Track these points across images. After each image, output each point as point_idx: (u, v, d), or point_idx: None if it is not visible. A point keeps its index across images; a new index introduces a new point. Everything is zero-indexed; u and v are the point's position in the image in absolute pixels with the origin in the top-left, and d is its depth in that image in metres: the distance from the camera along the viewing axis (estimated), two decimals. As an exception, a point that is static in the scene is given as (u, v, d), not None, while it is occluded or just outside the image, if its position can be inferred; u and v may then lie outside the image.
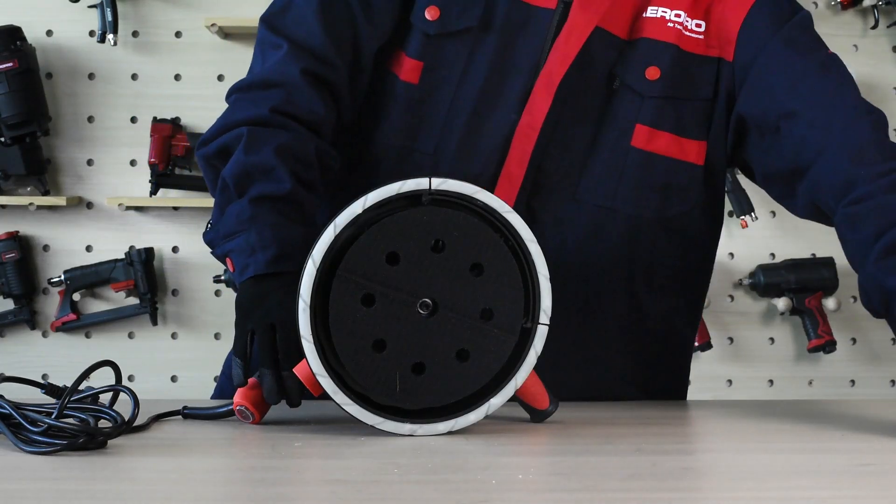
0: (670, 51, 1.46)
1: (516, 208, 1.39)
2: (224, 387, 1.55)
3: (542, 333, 1.26)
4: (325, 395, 1.24)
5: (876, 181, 1.36)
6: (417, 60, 1.46)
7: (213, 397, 1.58)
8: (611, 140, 1.46)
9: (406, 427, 1.23)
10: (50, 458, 1.10)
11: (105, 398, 1.26)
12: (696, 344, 3.30)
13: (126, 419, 1.19)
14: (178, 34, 3.33)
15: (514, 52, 1.45)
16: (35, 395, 1.27)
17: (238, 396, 1.29)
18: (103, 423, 1.19)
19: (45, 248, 3.33)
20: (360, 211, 1.22)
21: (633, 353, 1.52)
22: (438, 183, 1.24)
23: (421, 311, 1.24)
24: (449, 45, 1.45)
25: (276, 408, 1.31)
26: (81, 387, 1.22)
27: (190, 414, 1.31)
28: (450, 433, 1.24)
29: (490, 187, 1.42)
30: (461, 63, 1.45)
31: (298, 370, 1.26)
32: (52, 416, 1.15)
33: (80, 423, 1.15)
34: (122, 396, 1.25)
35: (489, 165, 1.45)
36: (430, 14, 1.45)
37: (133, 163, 3.31)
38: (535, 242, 1.26)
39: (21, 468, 1.07)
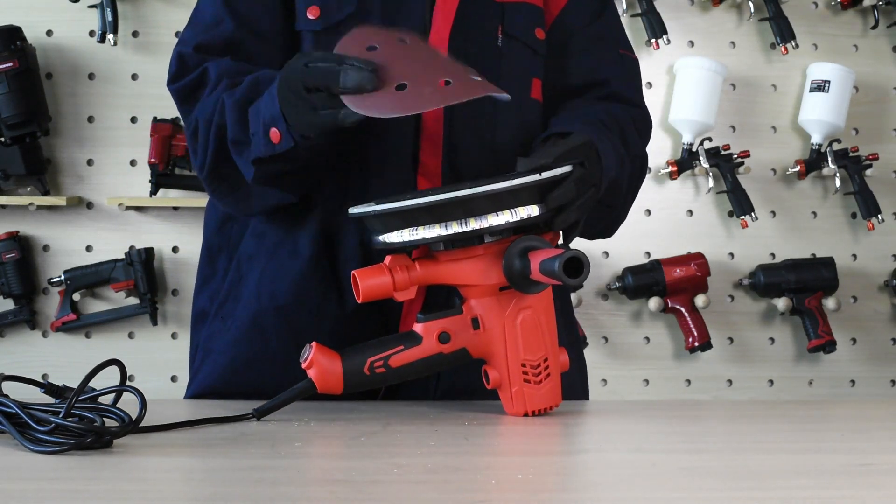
0: (540, 12, 1.59)
1: (443, 171, 1.49)
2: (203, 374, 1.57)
3: None
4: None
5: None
6: None
7: (187, 395, 1.59)
8: (512, 92, 1.51)
9: None
10: (55, 458, 1.10)
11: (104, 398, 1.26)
12: (697, 344, 3.30)
13: (133, 418, 1.19)
14: (178, 34, 3.33)
15: (399, 24, 1.49)
16: (35, 395, 1.27)
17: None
18: (109, 423, 1.19)
19: (45, 248, 3.33)
20: None
21: None
22: None
23: None
24: (337, 36, 1.48)
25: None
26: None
27: (265, 411, 1.32)
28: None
29: (414, 148, 1.49)
30: None
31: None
32: (60, 416, 1.15)
33: (88, 423, 1.15)
34: (124, 396, 1.25)
35: (409, 130, 1.49)
36: (312, 13, 1.51)
37: (133, 163, 3.31)
38: None
39: (28, 468, 1.07)
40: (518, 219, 1.29)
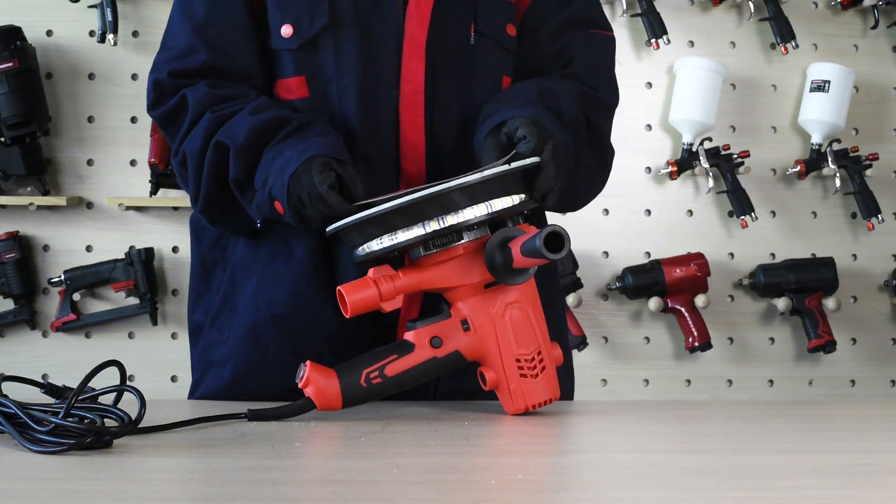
0: (512, 8, 1.60)
1: (428, 171, 1.50)
2: (206, 380, 1.58)
3: None
4: None
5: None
6: (298, 76, 1.53)
7: (191, 396, 1.60)
8: (485, 92, 1.56)
9: None
10: (55, 458, 1.10)
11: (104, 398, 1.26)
12: (697, 344, 3.30)
13: (133, 418, 1.19)
14: (178, 34, 3.33)
15: (374, 31, 1.52)
16: (35, 395, 1.27)
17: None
18: (109, 423, 1.19)
19: (45, 248, 3.32)
20: None
21: None
22: None
23: None
24: (315, 51, 1.52)
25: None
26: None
27: (260, 415, 1.32)
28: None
29: (395, 156, 1.51)
30: (331, 61, 1.52)
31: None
32: (59, 416, 1.14)
33: (87, 423, 1.15)
34: (124, 396, 1.25)
35: (389, 138, 1.52)
36: (286, 31, 1.53)
37: (133, 163, 3.31)
38: None
39: (28, 468, 1.07)
40: (494, 210, 1.30)
